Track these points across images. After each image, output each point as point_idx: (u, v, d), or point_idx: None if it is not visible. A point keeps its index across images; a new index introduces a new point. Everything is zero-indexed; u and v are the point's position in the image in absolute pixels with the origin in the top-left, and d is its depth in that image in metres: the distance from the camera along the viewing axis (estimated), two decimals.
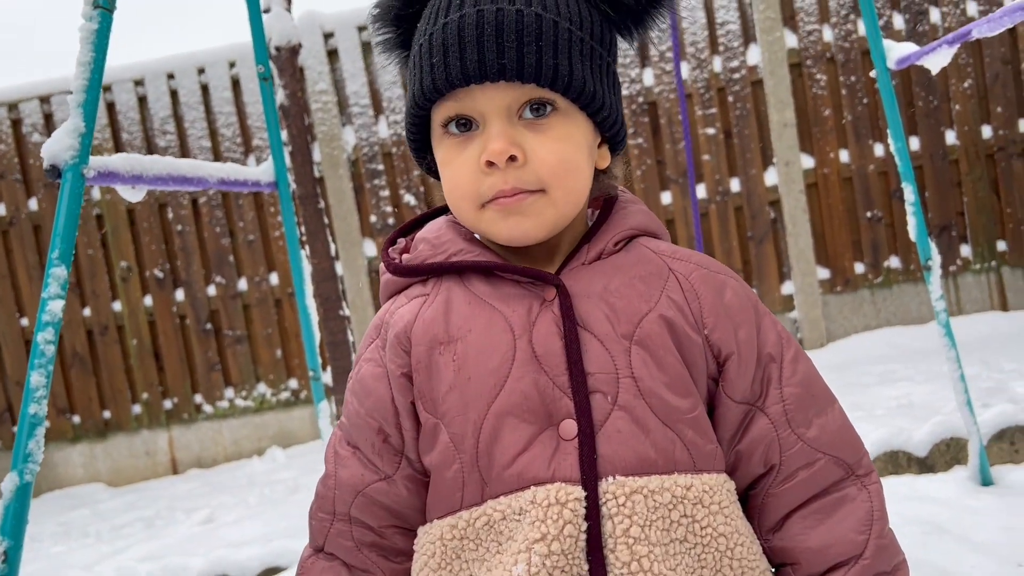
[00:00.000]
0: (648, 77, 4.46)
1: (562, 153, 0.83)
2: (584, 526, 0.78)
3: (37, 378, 1.31)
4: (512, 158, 0.81)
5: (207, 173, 1.87)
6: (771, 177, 4.45)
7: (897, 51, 2.18)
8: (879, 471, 2.66)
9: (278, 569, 2.94)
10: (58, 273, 1.35)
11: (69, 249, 1.37)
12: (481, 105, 0.83)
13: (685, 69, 4.43)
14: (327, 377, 3.00)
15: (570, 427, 0.80)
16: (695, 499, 0.80)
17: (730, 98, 4.44)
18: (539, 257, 0.91)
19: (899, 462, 2.69)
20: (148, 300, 4.67)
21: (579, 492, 0.78)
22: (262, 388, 4.66)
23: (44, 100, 4.63)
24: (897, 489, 2.54)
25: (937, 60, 2.02)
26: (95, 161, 1.45)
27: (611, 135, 0.91)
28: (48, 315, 1.33)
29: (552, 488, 0.79)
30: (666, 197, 4.47)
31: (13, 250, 4.69)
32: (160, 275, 4.65)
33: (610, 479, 0.79)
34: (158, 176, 1.66)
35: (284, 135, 3.05)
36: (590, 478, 0.79)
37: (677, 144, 4.43)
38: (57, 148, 1.39)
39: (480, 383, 0.84)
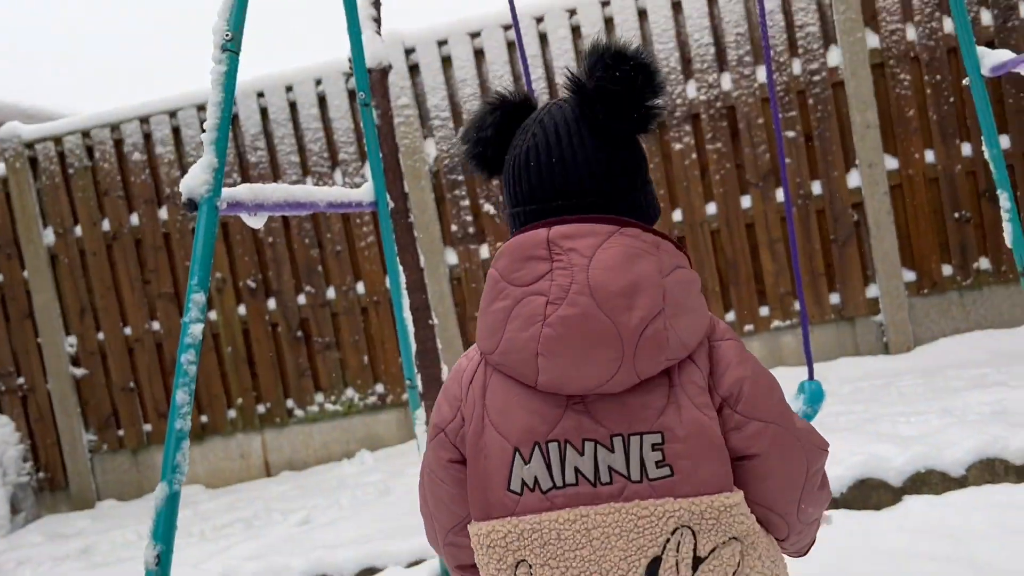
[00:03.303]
0: (726, 82, 4.46)
1: None
2: None
3: (182, 396, 1.43)
4: None
5: (318, 198, 1.98)
6: (854, 179, 4.40)
7: (991, 58, 2.16)
8: (975, 479, 2.64)
9: (375, 570, 3.05)
10: (198, 299, 1.47)
11: (206, 276, 1.48)
12: None
13: (761, 74, 4.42)
14: (418, 384, 3.10)
15: None
16: None
17: (810, 100, 4.41)
18: None
19: (996, 470, 2.65)
20: (242, 309, 4.88)
21: None
22: (350, 393, 4.82)
23: (144, 121, 4.89)
24: (994, 498, 2.52)
25: None
26: (225, 193, 1.57)
27: None
28: (190, 338, 1.45)
29: None
30: (746, 201, 4.46)
31: (116, 263, 4.96)
32: (252, 285, 4.85)
33: None
34: (277, 203, 1.77)
35: None
36: None
37: (756, 148, 4.42)
38: (193, 183, 1.50)
39: None
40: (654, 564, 1.04)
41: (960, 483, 2.65)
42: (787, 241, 4.44)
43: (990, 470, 2.65)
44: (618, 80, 1.08)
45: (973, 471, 2.66)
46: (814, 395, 1.65)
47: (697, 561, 1.04)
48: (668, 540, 1.03)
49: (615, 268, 1.04)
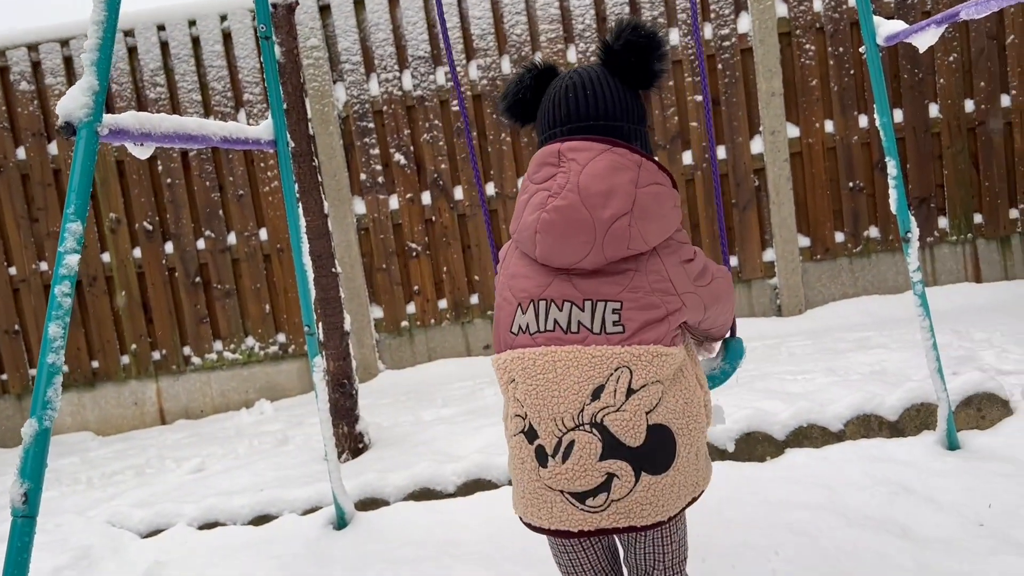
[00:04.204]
0: None
1: None
2: None
3: (55, 329, 1.37)
4: None
5: (211, 131, 1.90)
6: (756, 145, 4.51)
7: (886, 28, 2.24)
8: (852, 434, 2.78)
9: (270, 517, 3.02)
10: (74, 228, 1.40)
11: (84, 204, 1.41)
12: None
13: (675, 35, 4.46)
14: (319, 332, 3.05)
15: None
16: None
17: (719, 66, 4.48)
18: None
19: (871, 425, 2.80)
20: (137, 252, 4.69)
21: None
22: (250, 341, 4.72)
23: (32, 48, 4.60)
24: (868, 451, 2.66)
25: (925, 38, 2.08)
26: (107, 119, 1.49)
27: None
28: (65, 268, 1.38)
29: None
30: None
31: (0, 199, 4.68)
32: (149, 227, 4.66)
33: None
34: (165, 134, 1.70)
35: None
36: None
37: (666, 110, 4.48)
38: (72, 106, 1.42)
39: None
40: (598, 390, 1.40)
41: (838, 437, 2.79)
42: (696, 204, 4.53)
43: (866, 425, 2.80)
44: (640, 38, 1.49)
45: (851, 426, 2.80)
46: (734, 352, 1.71)
47: (630, 392, 1.40)
48: (612, 374, 1.40)
49: (599, 175, 1.43)
